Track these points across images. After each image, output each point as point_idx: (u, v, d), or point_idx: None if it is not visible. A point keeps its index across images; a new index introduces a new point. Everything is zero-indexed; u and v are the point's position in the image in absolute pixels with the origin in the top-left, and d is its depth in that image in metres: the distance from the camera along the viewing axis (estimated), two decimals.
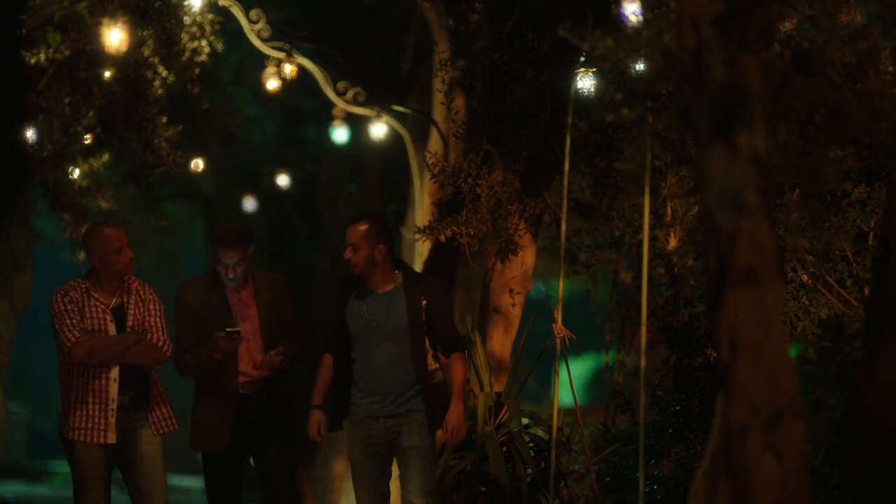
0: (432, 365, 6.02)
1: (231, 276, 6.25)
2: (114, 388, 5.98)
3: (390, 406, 5.92)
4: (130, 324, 6.06)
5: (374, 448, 5.97)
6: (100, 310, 6.04)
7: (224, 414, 6.20)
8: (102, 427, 5.98)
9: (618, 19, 6.56)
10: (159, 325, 6.11)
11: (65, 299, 5.98)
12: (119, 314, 6.06)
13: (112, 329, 6.03)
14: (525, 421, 7.12)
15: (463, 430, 5.95)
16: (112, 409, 5.97)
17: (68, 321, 5.94)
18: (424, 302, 5.95)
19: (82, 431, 5.98)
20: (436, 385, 5.99)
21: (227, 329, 6.08)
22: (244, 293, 6.31)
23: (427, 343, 5.98)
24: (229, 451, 6.23)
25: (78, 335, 5.93)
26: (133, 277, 6.16)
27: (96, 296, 6.04)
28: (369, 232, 5.93)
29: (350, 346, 6.03)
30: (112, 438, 5.99)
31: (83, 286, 6.05)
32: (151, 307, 6.12)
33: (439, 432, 6.06)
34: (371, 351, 5.96)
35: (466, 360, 6.13)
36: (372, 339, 5.95)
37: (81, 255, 10.48)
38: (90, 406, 5.97)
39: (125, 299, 6.09)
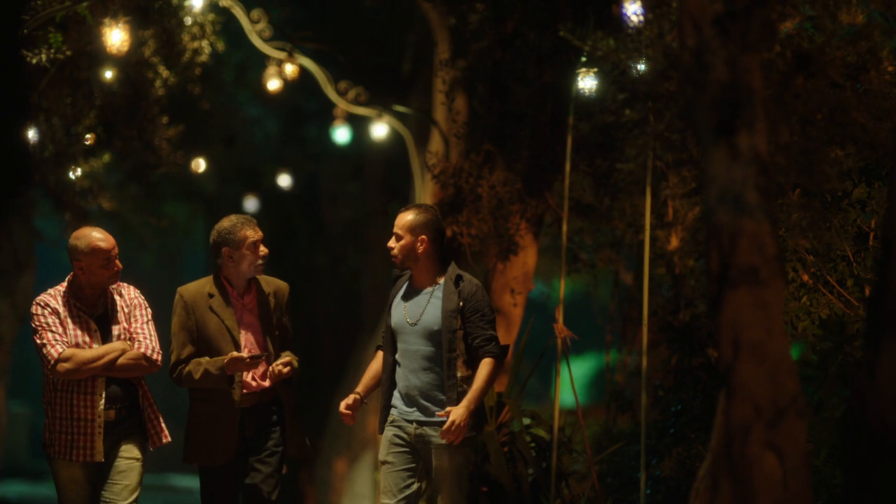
0: (465, 371, 5.62)
1: (263, 257, 5.85)
2: (100, 405, 5.62)
3: (420, 412, 5.63)
4: (116, 333, 5.68)
5: (404, 447, 5.69)
6: (83, 320, 5.65)
7: (230, 427, 5.82)
8: (89, 446, 5.62)
9: (619, 19, 6.56)
10: (147, 331, 5.72)
11: (45, 311, 5.60)
12: (103, 323, 5.68)
13: (97, 339, 5.65)
14: (526, 421, 7.12)
15: (461, 434, 5.52)
16: (99, 427, 5.61)
17: (50, 335, 5.57)
18: (461, 304, 5.61)
19: (67, 451, 5.63)
20: (464, 392, 5.58)
21: (252, 355, 5.71)
22: (247, 299, 5.90)
23: (463, 347, 5.61)
24: (227, 464, 5.87)
25: (61, 350, 5.55)
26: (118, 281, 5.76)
27: (78, 305, 5.66)
28: (414, 221, 5.62)
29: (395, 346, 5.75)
30: (99, 457, 5.63)
31: (64, 295, 5.66)
32: (138, 312, 5.74)
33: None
34: (407, 351, 5.68)
35: (496, 368, 5.62)
36: (408, 339, 5.67)
37: None
38: (76, 424, 5.61)
39: (109, 306, 5.71)
